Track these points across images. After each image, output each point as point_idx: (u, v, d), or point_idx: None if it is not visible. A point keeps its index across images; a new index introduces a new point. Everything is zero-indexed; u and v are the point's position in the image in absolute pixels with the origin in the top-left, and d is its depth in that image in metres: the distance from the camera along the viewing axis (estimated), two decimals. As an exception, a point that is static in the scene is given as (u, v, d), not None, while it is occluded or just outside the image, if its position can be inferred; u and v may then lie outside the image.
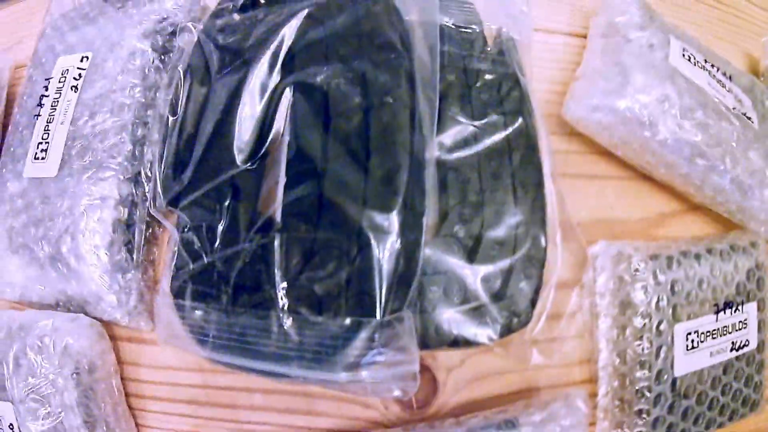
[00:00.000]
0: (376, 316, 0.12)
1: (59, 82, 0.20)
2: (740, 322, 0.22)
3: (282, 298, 0.13)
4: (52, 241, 0.18)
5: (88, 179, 0.18)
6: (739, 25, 0.27)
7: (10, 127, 0.22)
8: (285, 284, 0.13)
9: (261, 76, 0.16)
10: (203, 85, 0.17)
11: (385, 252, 0.13)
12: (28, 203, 0.19)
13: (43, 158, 0.19)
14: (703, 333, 0.20)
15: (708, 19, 0.26)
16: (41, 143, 0.19)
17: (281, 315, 0.13)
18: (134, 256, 0.17)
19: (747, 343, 0.22)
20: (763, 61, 0.26)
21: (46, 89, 0.21)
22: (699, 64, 0.21)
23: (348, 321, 0.12)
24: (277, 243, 0.13)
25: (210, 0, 0.21)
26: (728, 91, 0.22)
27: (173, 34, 0.19)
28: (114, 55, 0.20)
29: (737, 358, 0.22)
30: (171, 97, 0.17)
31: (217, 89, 0.16)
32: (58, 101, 0.20)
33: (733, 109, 0.21)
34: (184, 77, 0.17)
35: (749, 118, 0.22)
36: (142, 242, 0.17)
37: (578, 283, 0.19)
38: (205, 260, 0.15)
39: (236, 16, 0.18)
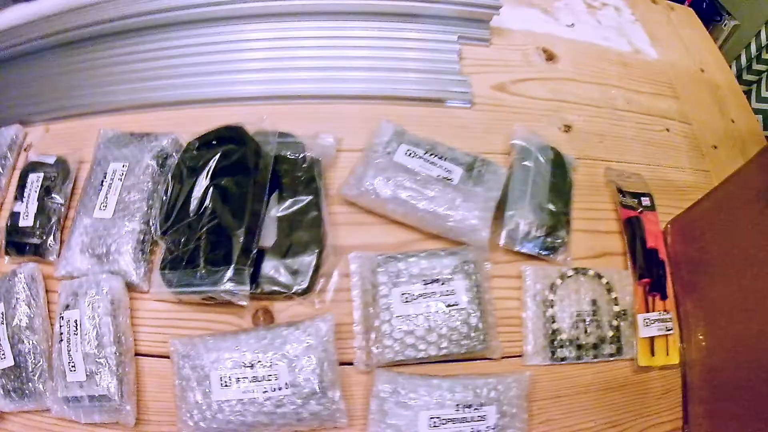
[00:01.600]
0: (231, 267, 0.47)
1: (112, 175, 0.57)
2: (449, 290, 0.54)
3: (202, 262, 0.47)
4: (107, 246, 0.53)
5: (126, 220, 0.54)
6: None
7: (82, 193, 0.58)
8: (203, 258, 0.47)
9: (201, 180, 0.52)
10: (179, 183, 0.53)
11: (238, 245, 0.47)
12: (96, 231, 0.54)
13: (104, 208, 0.55)
14: (416, 294, 0.53)
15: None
16: (103, 202, 0.55)
17: (202, 269, 0.47)
18: (145, 255, 0.53)
19: (456, 303, 0.53)
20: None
21: (104, 177, 0.57)
22: (418, 156, 0.56)
23: (223, 268, 0.47)
24: (202, 244, 0.48)
25: (183, 138, 0.58)
26: (437, 167, 0.56)
27: (166, 157, 0.56)
28: (139, 165, 0.56)
29: (450, 311, 0.53)
30: (164, 187, 0.54)
31: (184, 186, 0.52)
32: (111, 185, 0.56)
33: (437, 176, 0.56)
34: (171, 179, 0.53)
35: (449, 180, 0.56)
36: (148, 249, 0.53)
37: (342, 272, 0.54)
38: (175, 254, 0.50)
39: (195, 152, 0.54)
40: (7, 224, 0.58)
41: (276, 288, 0.50)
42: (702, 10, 0.96)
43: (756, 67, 1.03)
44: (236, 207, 0.50)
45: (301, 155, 0.55)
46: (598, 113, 0.69)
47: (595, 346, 0.56)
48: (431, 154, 0.56)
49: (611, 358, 0.55)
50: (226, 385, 0.47)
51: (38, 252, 0.56)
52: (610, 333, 0.57)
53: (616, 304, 0.58)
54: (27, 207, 0.58)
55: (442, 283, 0.52)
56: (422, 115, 0.62)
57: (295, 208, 0.52)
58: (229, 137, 0.53)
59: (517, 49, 0.71)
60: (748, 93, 1.05)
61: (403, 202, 0.53)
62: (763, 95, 1.02)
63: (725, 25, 1.05)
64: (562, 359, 0.55)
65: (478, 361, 0.52)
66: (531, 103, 0.67)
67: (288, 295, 0.51)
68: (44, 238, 0.56)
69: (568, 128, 0.66)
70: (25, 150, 0.64)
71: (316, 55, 0.61)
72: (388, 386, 0.49)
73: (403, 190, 0.53)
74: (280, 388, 0.47)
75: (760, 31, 1.02)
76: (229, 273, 0.47)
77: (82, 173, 0.60)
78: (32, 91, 0.67)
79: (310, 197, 0.53)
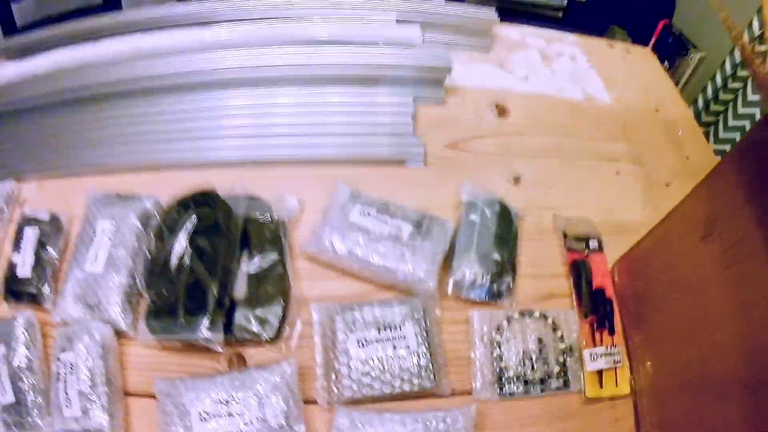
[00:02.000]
0: (207, 317, 0.59)
1: (101, 233, 0.70)
2: (401, 336, 0.66)
3: (182, 313, 0.60)
4: (98, 297, 0.66)
5: (115, 273, 0.66)
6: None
7: (74, 248, 0.71)
8: (182, 308, 0.60)
9: (180, 240, 0.64)
10: (160, 241, 0.66)
11: (213, 297, 0.60)
12: (87, 283, 0.67)
13: (94, 263, 0.68)
14: (370, 340, 0.65)
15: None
16: (93, 257, 0.68)
17: (182, 318, 0.59)
18: (131, 306, 0.66)
19: (408, 346, 0.67)
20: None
21: (94, 234, 0.70)
22: (371, 215, 0.69)
23: (200, 318, 0.59)
24: (181, 296, 0.61)
25: (163, 200, 0.71)
26: (388, 225, 0.69)
27: (149, 218, 0.69)
28: (125, 224, 0.69)
29: (402, 354, 0.65)
30: (147, 244, 0.67)
31: (165, 244, 0.65)
32: (101, 242, 0.69)
33: (388, 234, 0.69)
34: (153, 238, 0.66)
35: (399, 236, 0.69)
36: (135, 300, 0.66)
37: (305, 321, 0.66)
38: (158, 305, 0.63)
39: (174, 214, 0.67)
40: (5, 274, 0.70)
41: (247, 335, 0.62)
42: (668, 45, 1.09)
43: (722, 97, 1.17)
44: (210, 264, 0.62)
45: (268, 216, 0.68)
46: (548, 164, 0.82)
47: (542, 381, 0.67)
48: (383, 214, 0.69)
49: (558, 391, 0.66)
50: (204, 420, 0.59)
51: (35, 300, 0.67)
52: (557, 368, 0.68)
53: (562, 342, 0.70)
54: (24, 258, 0.70)
55: (394, 329, 0.65)
56: (379, 174, 0.74)
57: (263, 264, 0.65)
58: (204, 201, 0.66)
59: (469, 106, 0.84)
60: (715, 124, 1.18)
61: (358, 258, 0.66)
62: (730, 124, 1.16)
63: (691, 58, 1.17)
64: (510, 394, 0.66)
65: (429, 398, 0.63)
66: (482, 158, 0.80)
67: (258, 342, 0.63)
68: (40, 287, 0.67)
69: (517, 180, 0.79)
70: (20, 204, 0.77)
71: (282, 122, 0.74)
72: (346, 420, 0.61)
73: (357, 247, 0.66)
74: (251, 422, 0.59)
75: (724, 62, 1.15)
76: (205, 322, 0.59)
77: (74, 228, 0.72)
78: (25, 149, 0.80)
79: (276, 254, 0.65)
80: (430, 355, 0.63)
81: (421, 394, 0.63)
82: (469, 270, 0.69)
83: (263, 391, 0.59)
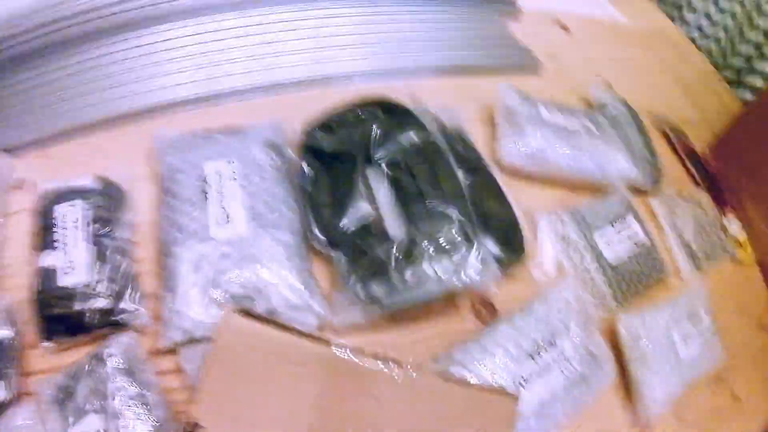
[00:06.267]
0: (473, 252, 0.45)
1: (217, 178, 0.46)
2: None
3: (428, 255, 0.44)
4: (254, 276, 0.44)
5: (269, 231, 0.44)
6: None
7: (165, 220, 0.46)
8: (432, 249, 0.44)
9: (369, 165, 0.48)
10: (329, 171, 0.48)
11: (459, 231, 0.47)
12: (225, 253, 0.43)
13: (225, 222, 0.44)
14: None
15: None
16: (220, 217, 0.44)
17: (425, 265, 0.43)
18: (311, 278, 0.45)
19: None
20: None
21: (205, 182, 0.46)
22: (555, 113, 0.60)
23: (459, 255, 0.45)
24: (421, 234, 0.44)
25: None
26: (575, 119, 0.61)
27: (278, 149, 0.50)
28: (249, 160, 0.48)
29: None
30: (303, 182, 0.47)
31: (340, 175, 0.47)
32: (226, 191, 0.45)
33: (578, 127, 0.61)
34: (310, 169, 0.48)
35: (588, 128, 0.61)
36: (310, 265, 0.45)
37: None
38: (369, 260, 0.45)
39: (350, 132, 0.49)
40: (37, 290, 0.43)
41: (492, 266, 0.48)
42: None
43: None
44: (434, 188, 0.48)
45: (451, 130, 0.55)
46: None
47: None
48: (563, 111, 0.63)
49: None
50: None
51: (110, 322, 0.43)
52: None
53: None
54: (68, 254, 0.45)
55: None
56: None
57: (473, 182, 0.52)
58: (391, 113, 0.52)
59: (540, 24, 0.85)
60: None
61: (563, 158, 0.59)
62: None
63: None
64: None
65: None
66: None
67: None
68: (117, 295, 0.44)
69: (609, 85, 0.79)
70: (15, 189, 0.51)
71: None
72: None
73: (559, 140, 0.59)
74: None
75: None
76: (473, 261, 0.44)
77: (138, 196, 0.50)
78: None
79: (481, 170, 0.53)
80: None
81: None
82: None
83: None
